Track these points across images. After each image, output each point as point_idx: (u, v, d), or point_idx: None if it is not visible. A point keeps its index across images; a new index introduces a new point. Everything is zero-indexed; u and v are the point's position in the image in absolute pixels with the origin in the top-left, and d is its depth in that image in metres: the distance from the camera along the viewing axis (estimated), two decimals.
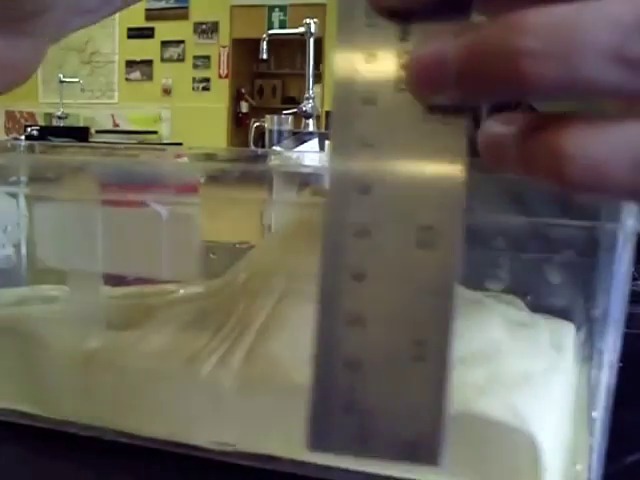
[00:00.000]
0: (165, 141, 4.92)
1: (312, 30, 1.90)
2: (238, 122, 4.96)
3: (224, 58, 4.96)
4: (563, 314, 0.34)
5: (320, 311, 0.19)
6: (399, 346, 0.19)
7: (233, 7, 4.87)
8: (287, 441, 0.29)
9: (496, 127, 0.20)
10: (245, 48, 4.78)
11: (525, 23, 0.17)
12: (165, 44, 5.08)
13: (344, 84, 0.19)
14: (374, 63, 0.19)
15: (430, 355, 0.19)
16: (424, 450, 0.19)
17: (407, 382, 0.19)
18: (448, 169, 0.19)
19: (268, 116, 1.84)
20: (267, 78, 5.10)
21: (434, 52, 0.18)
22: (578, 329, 0.33)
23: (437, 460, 0.19)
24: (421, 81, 0.18)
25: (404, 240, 0.19)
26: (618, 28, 0.16)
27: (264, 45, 2.01)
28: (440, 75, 0.18)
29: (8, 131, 5.22)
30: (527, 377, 0.29)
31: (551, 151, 0.18)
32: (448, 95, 0.18)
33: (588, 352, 0.30)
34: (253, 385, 0.30)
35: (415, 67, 0.18)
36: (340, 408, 0.19)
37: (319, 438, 0.19)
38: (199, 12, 4.93)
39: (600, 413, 0.28)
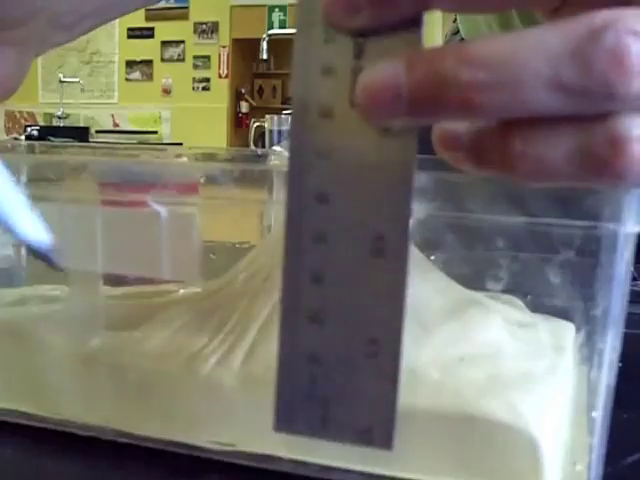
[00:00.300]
0: (165, 141, 4.92)
1: None
2: (238, 122, 4.96)
3: (224, 58, 4.96)
4: (563, 314, 0.34)
5: (283, 309, 0.21)
6: (354, 343, 0.21)
7: (233, 7, 4.86)
8: (287, 441, 0.29)
9: (449, 125, 0.21)
10: (245, 48, 4.78)
11: (472, 56, 0.18)
12: (165, 44, 5.08)
13: (302, 97, 0.20)
14: (330, 78, 0.20)
15: (382, 352, 0.20)
16: (378, 436, 0.21)
17: (361, 376, 0.21)
18: (397, 182, 0.20)
19: (268, 116, 1.84)
20: (267, 78, 5.10)
21: (385, 81, 0.19)
22: (578, 329, 0.33)
23: (389, 445, 0.21)
24: (372, 108, 0.19)
25: (358, 247, 0.20)
26: (552, 58, 0.18)
27: (264, 45, 2.02)
28: (391, 104, 0.19)
29: (8, 131, 5.21)
30: (527, 377, 0.29)
31: (504, 148, 0.19)
32: (398, 120, 0.19)
33: (588, 352, 0.30)
34: (253, 385, 0.30)
35: (366, 94, 0.19)
36: (302, 395, 0.21)
37: (284, 421, 0.21)
38: (199, 12, 4.93)
39: (600, 413, 0.28)
